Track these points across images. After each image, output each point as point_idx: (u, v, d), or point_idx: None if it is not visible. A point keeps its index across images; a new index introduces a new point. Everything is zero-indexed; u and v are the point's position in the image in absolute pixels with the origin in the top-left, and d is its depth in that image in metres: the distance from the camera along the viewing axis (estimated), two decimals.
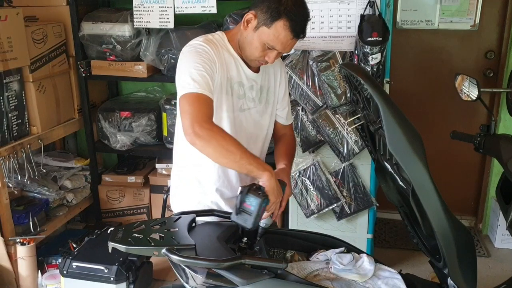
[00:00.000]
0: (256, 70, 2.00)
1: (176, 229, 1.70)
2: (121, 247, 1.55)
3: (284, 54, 2.26)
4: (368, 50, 2.62)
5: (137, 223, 1.71)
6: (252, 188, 1.67)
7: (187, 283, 1.61)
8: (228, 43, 1.94)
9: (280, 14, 1.78)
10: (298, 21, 1.81)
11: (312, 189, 3.07)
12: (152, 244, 1.56)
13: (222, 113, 1.93)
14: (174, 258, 1.49)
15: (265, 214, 1.73)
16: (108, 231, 1.70)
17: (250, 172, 1.71)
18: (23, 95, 3.17)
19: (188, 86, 1.75)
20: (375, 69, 2.69)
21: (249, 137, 2.04)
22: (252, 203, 1.64)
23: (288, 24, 1.78)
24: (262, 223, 1.78)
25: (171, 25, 3.26)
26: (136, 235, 1.60)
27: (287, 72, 2.86)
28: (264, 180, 1.70)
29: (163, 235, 1.63)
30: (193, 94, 1.73)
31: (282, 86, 2.14)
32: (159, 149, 3.69)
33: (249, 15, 1.85)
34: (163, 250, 1.51)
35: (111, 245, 1.57)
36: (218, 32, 1.99)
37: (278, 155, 2.13)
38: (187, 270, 1.59)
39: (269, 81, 2.07)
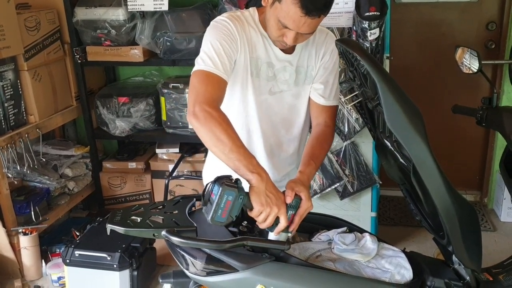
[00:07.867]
0: (290, 51, 1.85)
1: (176, 212, 1.67)
2: (120, 229, 1.51)
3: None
4: (366, 25, 2.57)
5: (136, 206, 1.68)
6: (224, 178, 1.50)
7: (187, 269, 1.59)
8: (258, 21, 1.82)
9: None
10: None
11: None
12: (152, 226, 1.53)
13: (248, 96, 1.85)
14: (175, 239, 1.45)
15: (274, 231, 1.58)
16: None
17: (237, 169, 1.54)
18: (19, 84, 3.14)
19: (202, 63, 1.68)
20: (374, 45, 2.65)
21: (283, 123, 1.94)
22: (215, 191, 1.48)
23: None
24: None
25: (165, 7, 3.21)
26: (135, 218, 1.57)
27: None
28: (251, 183, 1.53)
29: (162, 217, 1.60)
30: (204, 72, 1.67)
31: (328, 62, 1.91)
32: (159, 134, 3.65)
33: None
34: (163, 232, 1.47)
35: (109, 227, 1.53)
36: (250, 8, 1.86)
37: (303, 155, 1.87)
38: (186, 256, 1.56)
39: (309, 60, 1.89)
